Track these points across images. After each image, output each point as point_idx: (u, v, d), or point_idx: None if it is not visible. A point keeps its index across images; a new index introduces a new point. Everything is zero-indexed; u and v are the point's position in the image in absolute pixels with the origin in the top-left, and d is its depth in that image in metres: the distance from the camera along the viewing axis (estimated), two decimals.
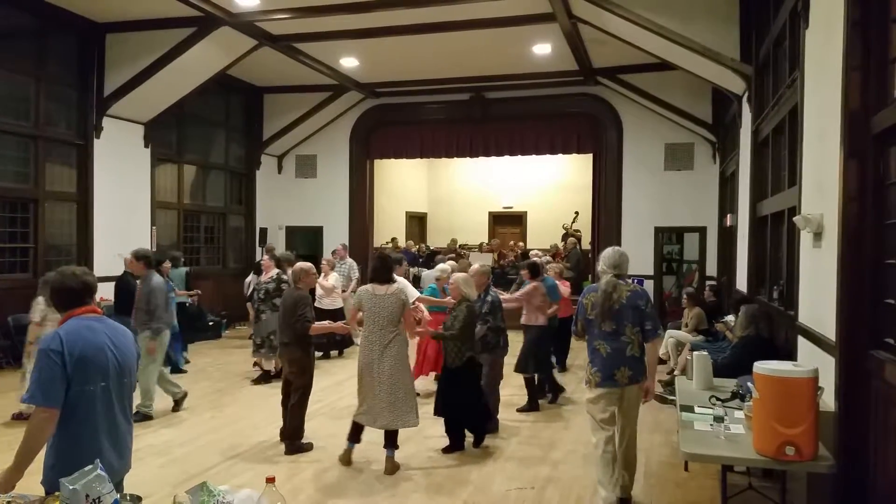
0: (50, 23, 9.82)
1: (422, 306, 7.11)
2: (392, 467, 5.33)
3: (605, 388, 4.42)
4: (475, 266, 6.78)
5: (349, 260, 11.05)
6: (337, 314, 9.62)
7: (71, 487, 2.09)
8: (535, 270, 7.69)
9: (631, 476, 4.55)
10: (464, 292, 5.93)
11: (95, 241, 10.43)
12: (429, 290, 8.01)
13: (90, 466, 2.15)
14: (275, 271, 8.74)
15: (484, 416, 6.03)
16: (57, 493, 2.23)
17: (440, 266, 8.45)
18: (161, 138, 11.97)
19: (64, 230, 10.27)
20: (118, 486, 2.72)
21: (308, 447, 5.85)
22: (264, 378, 8.57)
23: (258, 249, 14.15)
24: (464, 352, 5.77)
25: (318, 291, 9.71)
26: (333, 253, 11.57)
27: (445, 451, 5.83)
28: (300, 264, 6.21)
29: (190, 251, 12.77)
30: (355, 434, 5.52)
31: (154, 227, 11.71)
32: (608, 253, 4.68)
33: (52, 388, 2.61)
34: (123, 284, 8.14)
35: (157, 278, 7.04)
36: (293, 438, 5.81)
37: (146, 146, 11.51)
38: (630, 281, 4.74)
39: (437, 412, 5.91)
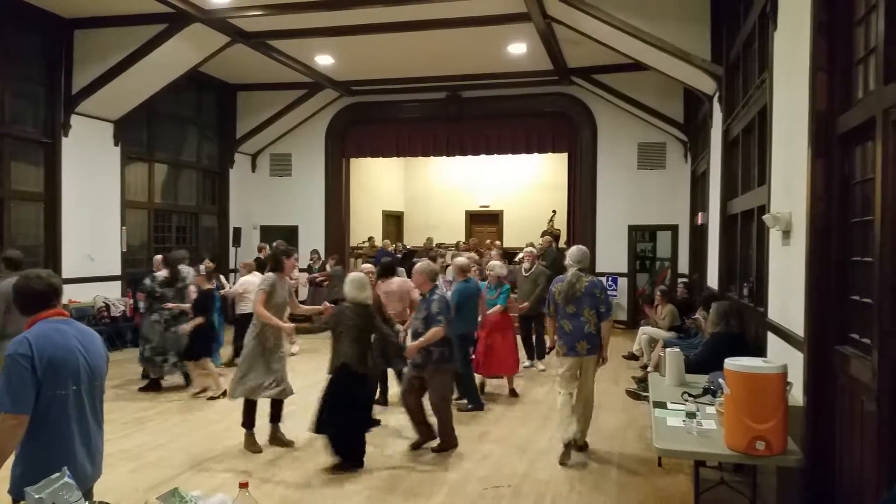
0: (15, 19, 9.59)
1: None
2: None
3: (570, 356, 5.61)
4: (420, 264, 6.18)
5: None
6: (245, 319, 8.26)
7: (36, 496, 2.04)
8: (384, 271, 7.51)
9: (586, 427, 5.77)
10: (345, 293, 5.61)
11: (63, 241, 10.24)
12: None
13: (57, 474, 2.10)
14: (162, 272, 8.22)
15: (356, 437, 5.44)
16: (23, 502, 2.19)
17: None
18: (131, 136, 11.77)
19: (31, 231, 10.05)
20: (88, 494, 2.67)
21: None
22: (152, 385, 8.12)
23: (231, 249, 14.01)
24: (338, 358, 5.40)
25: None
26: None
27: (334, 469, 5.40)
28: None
29: (161, 251, 12.58)
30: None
31: (124, 227, 11.53)
32: (573, 251, 5.86)
33: (22, 394, 2.55)
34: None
35: (5, 283, 5.86)
36: None
37: (116, 144, 11.32)
38: (606, 279, 5.39)
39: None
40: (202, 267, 8.77)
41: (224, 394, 7.44)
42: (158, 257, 9.06)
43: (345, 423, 5.39)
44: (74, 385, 2.69)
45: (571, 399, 5.62)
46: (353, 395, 5.40)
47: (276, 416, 6.06)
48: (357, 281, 5.63)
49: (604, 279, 10.68)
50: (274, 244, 11.13)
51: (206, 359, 7.96)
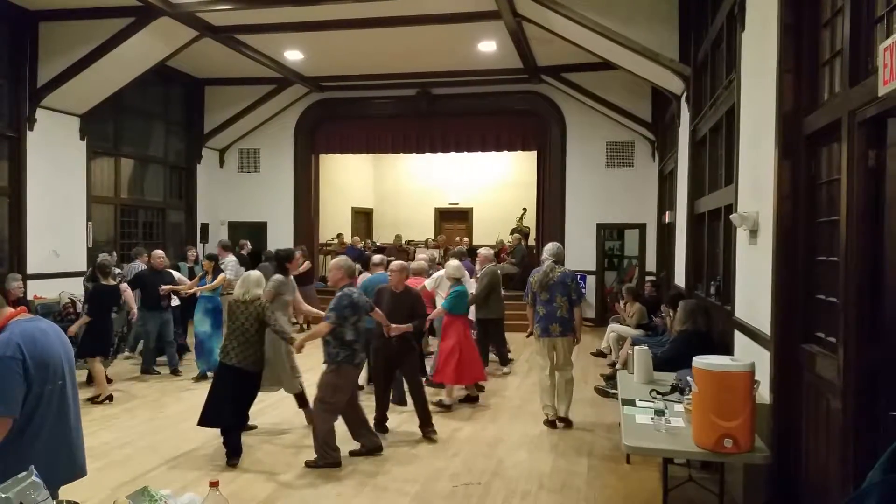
0: None
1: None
2: None
3: (544, 337, 6.43)
4: (337, 258, 5.91)
5: (229, 258, 10.01)
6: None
7: (3, 496, 2.00)
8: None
9: (567, 404, 6.49)
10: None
11: (28, 237, 10.00)
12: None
13: (24, 473, 2.05)
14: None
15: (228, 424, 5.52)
16: None
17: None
18: (97, 131, 11.53)
19: None
20: (55, 493, 2.62)
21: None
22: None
23: (200, 245, 13.81)
24: (222, 353, 5.68)
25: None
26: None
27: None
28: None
29: (127, 247, 12.38)
30: None
31: (90, 223, 11.30)
32: (549, 246, 6.76)
33: (12, 396, 2.53)
34: (137, 279, 8.32)
35: None
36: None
37: (82, 139, 11.07)
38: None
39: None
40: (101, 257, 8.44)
41: (110, 398, 7.40)
42: (157, 252, 8.98)
43: (231, 418, 5.53)
44: (60, 381, 2.69)
45: (549, 374, 6.46)
46: (235, 390, 5.52)
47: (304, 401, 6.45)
48: (243, 278, 5.85)
49: None
50: (219, 242, 10.99)
51: (96, 357, 7.55)
